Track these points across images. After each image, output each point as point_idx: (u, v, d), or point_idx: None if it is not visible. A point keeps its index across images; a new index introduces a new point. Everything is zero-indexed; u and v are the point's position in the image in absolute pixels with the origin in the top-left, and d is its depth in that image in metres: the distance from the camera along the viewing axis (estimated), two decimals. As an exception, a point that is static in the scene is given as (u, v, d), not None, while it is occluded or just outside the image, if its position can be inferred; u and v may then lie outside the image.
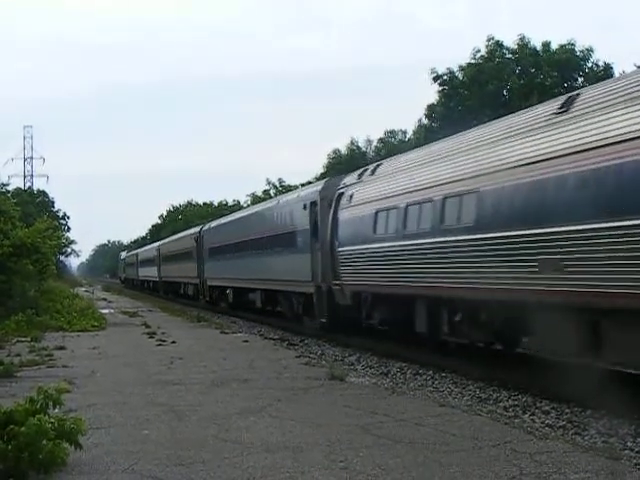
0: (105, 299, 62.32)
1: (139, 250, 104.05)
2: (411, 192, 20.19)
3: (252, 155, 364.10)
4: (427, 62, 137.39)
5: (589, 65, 48.42)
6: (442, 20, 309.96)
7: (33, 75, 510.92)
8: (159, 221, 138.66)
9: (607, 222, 12.78)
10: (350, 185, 25.71)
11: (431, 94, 65.31)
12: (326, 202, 27.13)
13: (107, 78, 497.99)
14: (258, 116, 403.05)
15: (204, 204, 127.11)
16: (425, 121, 55.75)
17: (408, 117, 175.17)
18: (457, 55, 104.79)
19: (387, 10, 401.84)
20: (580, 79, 47.41)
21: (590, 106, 14.18)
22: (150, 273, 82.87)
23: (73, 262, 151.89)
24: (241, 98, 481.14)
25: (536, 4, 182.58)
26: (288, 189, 68.79)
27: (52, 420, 9.20)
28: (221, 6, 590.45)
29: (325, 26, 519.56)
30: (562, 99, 15.90)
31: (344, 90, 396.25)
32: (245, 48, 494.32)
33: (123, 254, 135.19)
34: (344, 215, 25.20)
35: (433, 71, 51.19)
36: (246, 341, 25.80)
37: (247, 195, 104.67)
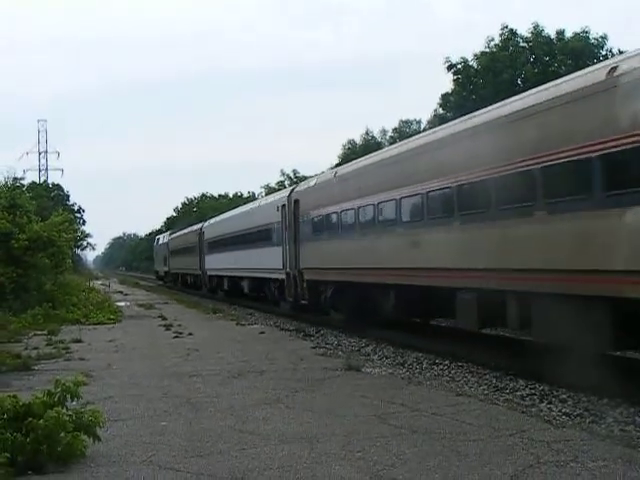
0: (121, 292, 62.45)
1: (209, 222, 60.74)
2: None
3: (266, 147, 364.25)
4: (443, 51, 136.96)
5: (603, 53, 48.20)
6: (458, 9, 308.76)
7: (48, 70, 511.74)
8: (174, 214, 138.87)
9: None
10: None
11: (446, 83, 65.12)
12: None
13: (122, 73, 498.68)
14: (273, 108, 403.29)
15: (219, 196, 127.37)
16: (440, 110, 55.65)
17: (424, 107, 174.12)
18: (473, 44, 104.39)
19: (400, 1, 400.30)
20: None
21: None
22: (243, 263, 44.07)
23: (89, 255, 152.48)
24: (256, 90, 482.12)
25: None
26: (303, 179, 68.76)
27: (70, 413, 9.27)
28: (226, 2, 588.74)
29: (340, 16, 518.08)
30: None
31: (359, 80, 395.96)
32: (259, 40, 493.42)
33: (163, 237, 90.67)
34: None
35: (447, 60, 51.17)
36: (262, 332, 25.84)
37: (261, 187, 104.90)
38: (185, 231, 71.93)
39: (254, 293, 44.53)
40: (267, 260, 37.70)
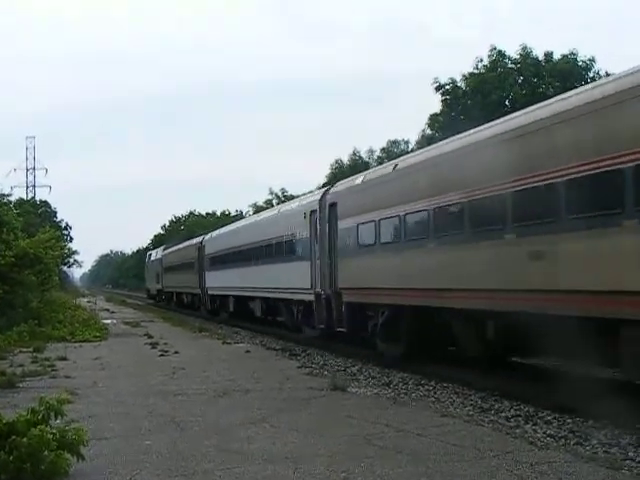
0: (107, 309, 62.16)
1: (211, 235, 54.62)
2: None
3: (254, 165, 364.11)
4: (433, 71, 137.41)
5: (591, 75, 48.48)
6: (449, 30, 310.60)
7: (36, 87, 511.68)
8: (161, 231, 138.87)
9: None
10: None
11: (434, 104, 65.49)
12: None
13: (108, 90, 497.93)
14: (260, 126, 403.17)
15: (207, 214, 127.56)
16: (428, 131, 55.86)
17: (412, 127, 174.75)
18: (462, 65, 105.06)
19: (394, 19, 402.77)
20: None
21: None
22: (255, 281, 38.47)
23: (76, 272, 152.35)
24: (243, 107, 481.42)
25: (540, 12, 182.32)
26: (290, 199, 68.62)
27: (54, 431, 9.23)
28: (222, 17, 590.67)
29: (328, 35, 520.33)
30: None
31: (348, 100, 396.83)
32: (247, 58, 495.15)
33: (156, 253, 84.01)
34: None
35: (435, 81, 51.44)
36: (248, 351, 25.79)
37: (249, 205, 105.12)
38: (182, 245, 65.68)
39: (268, 317, 39.28)
40: (288, 278, 32.00)
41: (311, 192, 38.17)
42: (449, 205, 18.60)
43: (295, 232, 31.35)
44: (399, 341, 22.19)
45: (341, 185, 28.21)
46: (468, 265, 17.75)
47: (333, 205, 26.93)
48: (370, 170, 27.87)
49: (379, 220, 22.52)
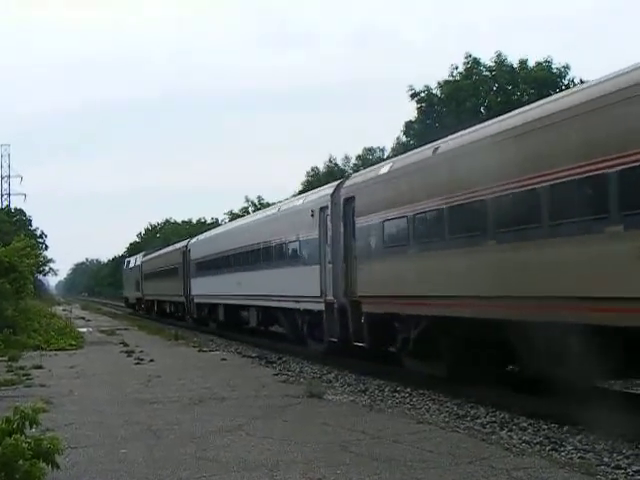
0: (83, 318, 61.82)
1: (198, 238, 51.02)
2: None
3: (230, 173, 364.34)
4: (407, 79, 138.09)
5: (565, 82, 48.82)
6: (425, 37, 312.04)
7: (8, 92, 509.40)
8: (137, 239, 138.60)
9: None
10: None
11: (410, 111, 65.81)
12: None
13: (83, 97, 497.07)
14: (236, 133, 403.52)
15: (183, 222, 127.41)
16: (403, 138, 56.05)
17: (387, 134, 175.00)
18: (438, 72, 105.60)
19: (370, 27, 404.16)
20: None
21: None
22: (251, 288, 34.50)
23: (51, 281, 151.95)
24: (218, 116, 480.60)
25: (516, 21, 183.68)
26: (267, 206, 68.27)
27: (29, 440, 9.15)
28: (199, 23, 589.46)
29: (305, 43, 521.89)
30: None
31: (324, 107, 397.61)
32: (224, 65, 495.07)
33: (135, 259, 78.52)
34: None
35: (411, 88, 51.65)
36: (224, 359, 25.73)
37: (225, 213, 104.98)
38: (164, 251, 61.55)
39: (265, 327, 36.44)
40: (292, 284, 28.31)
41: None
42: (518, 193, 14.75)
43: (300, 232, 27.88)
44: (439, 360, 18.63)
45: (360, 176, 24.73)
46: (554, 266, 13.78)
47: (349, 200, 23.23)
48: (399, 157, 23.98)
49: (414, 215, 18.80)
